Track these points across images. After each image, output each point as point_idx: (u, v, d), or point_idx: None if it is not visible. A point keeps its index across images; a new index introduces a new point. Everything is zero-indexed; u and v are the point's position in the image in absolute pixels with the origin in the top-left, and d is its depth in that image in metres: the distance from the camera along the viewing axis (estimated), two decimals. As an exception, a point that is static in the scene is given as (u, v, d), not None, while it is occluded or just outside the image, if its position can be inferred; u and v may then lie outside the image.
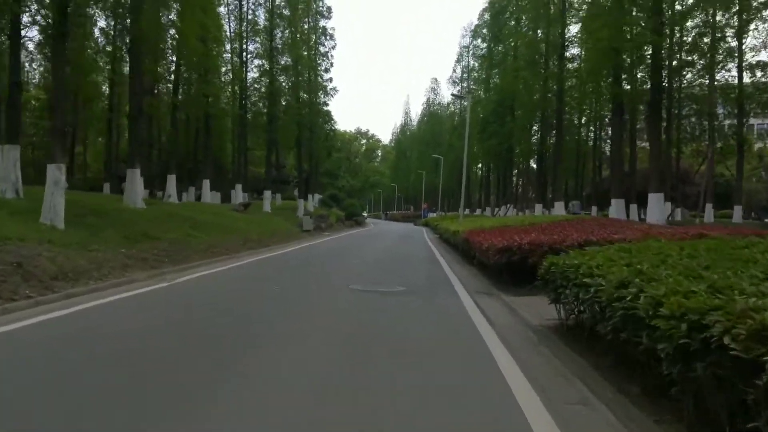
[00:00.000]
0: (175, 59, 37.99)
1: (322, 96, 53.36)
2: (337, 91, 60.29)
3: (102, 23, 38.52)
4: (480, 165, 68.87)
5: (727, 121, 37.87)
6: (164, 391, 4.57)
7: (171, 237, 16.34)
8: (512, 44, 49.95)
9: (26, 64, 50.71)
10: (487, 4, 57.23)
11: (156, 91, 40.23)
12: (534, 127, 47.55)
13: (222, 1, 43.77)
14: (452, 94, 73.35)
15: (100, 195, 31.06)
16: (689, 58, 32.46)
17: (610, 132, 43.73)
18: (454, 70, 73.79)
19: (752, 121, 43.38)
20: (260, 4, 46.53)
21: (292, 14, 45.35)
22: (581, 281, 5.64)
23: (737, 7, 28.41)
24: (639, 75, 29.99)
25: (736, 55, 32.85)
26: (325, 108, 55.10)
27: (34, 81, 53.31)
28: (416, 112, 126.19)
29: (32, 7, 19.43)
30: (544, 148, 44.39)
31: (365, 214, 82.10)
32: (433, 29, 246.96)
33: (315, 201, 56.82)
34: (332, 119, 59.49)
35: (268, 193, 42.05)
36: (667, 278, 4.39)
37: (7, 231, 11.20)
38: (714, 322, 3.25)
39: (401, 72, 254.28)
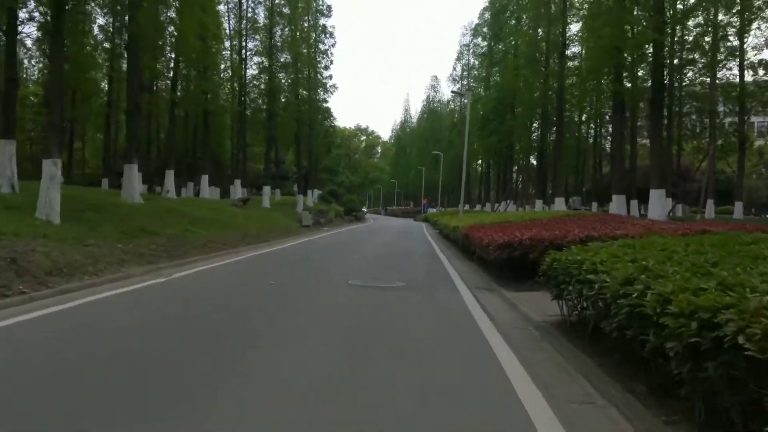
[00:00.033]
0: (173, 56, 37.83)
1: (321, 93, 53.22)
2: (336, 88, 60.34)
3: (101, 20, 38.38)
4: (480, 161, 68.84)
5: (728, 119, 37.79)
6: (162, 389, 4.48)
7: (169, 232, 16.22)
8: (513, 43, 49.83)
9: (25, 61, 50.73)
10: (487, 3, 57.29)
11: (155, 88, 40.10)
12: (534, 125, 47.45)
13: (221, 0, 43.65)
14: (452, 91, 73.32)
15: (98, 190, 30.90)
16: (690, 56, 32.37)
17: (610, 129, 43.67)
18: (455, 68, 73.83)
19: (753, 119, 43.31)
20: (260, 2, 46.46)
21: (292, 12, 45.15)
22: (585, 277, 5.52)
23: (739, 7, 28.25)
24: (640, 73, 29.87)
25: (738, 53, 32.76)
26: (324, 105, 55.00)
27: (33, 77, 53.23)
28: (416, 110, 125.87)
29: (29, 2, 19.27)
30: (544, 144, 44.27)
31: (365, 209, 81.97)
32: (434, 27, 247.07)
33: (314, 197, 56.69)
34: (332, 116, 59.38)
35: (267, 189, 41.91)
36: (674, 275, 4.27)
37: (2, 226, 11.07)
38: (726, 321, 3.12)
39: (401, 70, 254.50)
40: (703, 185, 34.20)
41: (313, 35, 51.69)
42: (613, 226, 12.56)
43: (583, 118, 48.95)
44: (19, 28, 19.04)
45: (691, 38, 31.38)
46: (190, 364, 5.25)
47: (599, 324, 5.26)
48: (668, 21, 25.48)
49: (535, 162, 51.86)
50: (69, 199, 16.40)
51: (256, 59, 46.65)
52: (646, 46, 25.20)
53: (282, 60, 45.31)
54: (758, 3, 28.05)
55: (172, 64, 39.25)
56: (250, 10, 47.10)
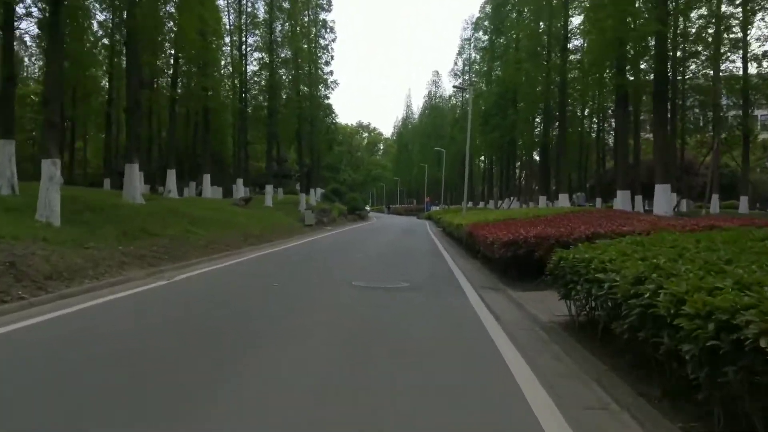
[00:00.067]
0: (173, 52, 37.70)
1: (322, 89, 53.08)
2: (337, 84, 59.98)
3: (100, 17, 38.28)
4: (482, 157, 68.68)
5: (732, 112, 37.52)
6: (163, 393, 4.44)
7: (170, 233, 16.08)
8: (514, 36, 49.57)
9: (25, 59, 50.62)
10: (488, -4, 56.85)
11: (156, 86, 39.97)
12: (537, 119, 47.23)
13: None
14: (454, 86, 72.98)
15: (99, 191, 30.79)
16: (693, 49, 32.14)
17: (613, 123, 43.44)
18: (456, 63, 73.72)
19: (756, 112, 43.04)
20: (259, -3, 46.17)
21: (292, 7, 44.92)
22: (593, 276, 5.38)
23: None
24: (643, 66, 29.65)
25: (741, 45, 32.51)
26: (325, 101, 54.78)
27: (33, 76, 53.08)
28: (418, 105, 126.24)
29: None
30: (547, 140, 44.06)
31: (368, 207, 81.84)
32: (435, 22, 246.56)
33: (317, 195, 56.58)
34: (333, 112, 59.13)
35: (269, 188, 41.78)
36: (687, 273, 4.13)
37: (1, 229, 10.94)
38: (747, 323, 2.98)
39: (402, 65, 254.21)
40: (709, 180, 33.94)
41: (314, 30, 51.55)
42: (619, 222, 12.40)
43: (586, 113, 48.77)
44: (18, 25, 18.85)
45: (694, 30, 31.12)
46: (191, 365, 5.25)
47: (609, 325, 5.11)
48: (671, 12, 25.26)
49: (538, 158, 51.64)
50: (69, 200, 16.30)
51: (256, 55, 46.63)
52: (650, 37, 24.99)
53: (282, 56, 45.14)
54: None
55: (172, 61, 39.12)
56: (249, 4, 46.99)
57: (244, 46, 46.34)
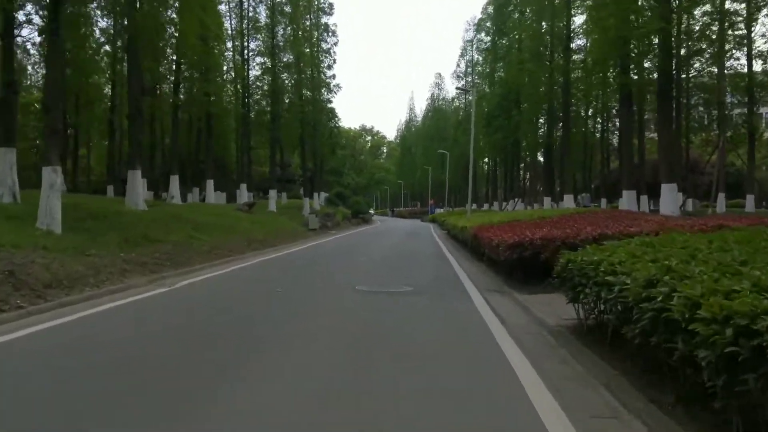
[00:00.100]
0: (175, 58, 37.64)
1: (325, 93, 53.01)
2: (340, 87, 60.17)
3: (102, 24, 38.31)
4: (486, 159, 68.44)
5: (736, 111, 37.26)
6: (164, 397, 4.43)
7: (173, 239, 15.95)
8: (516, 37, 49.45)
9: (29, 68, 50.66)
10: (490, -3, 56.72)
11: (158, 92, 39.93)
12: (540, 120, 47.05)
13: (222, -1, 43.43)
14: (457, 88, 72.86)
15: (102, 198, 30.76)
16: (696, 47, 31.90)
17: (617, 123, 43.19)
18: (458, 65, 73.59)
19: (762, 109, 42.73)
20: (261, 1, 46.02)
21: (294, 11, 44.86)
22: (603, 279, 5.23)
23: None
24: (647, 64, 29.45)
25: (746, 42, 32.28)
26: (328, 105, 54.70)
27: (37, 84, 53.10)
28: (420, 108, 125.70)
29: (26, 5, 19.05)
30: (551, 140, 43.85)
31: (372, 211, 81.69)
32: (437, 24, 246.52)
33: (321, 199, 56.45)
34: (336, 116, 59.06)
35: (273, 193, 41.65)
36: (701, 275, 3.97)
37: (1, 237, 10.83)
38: (768, 328, 2.83)
39: (405, 68, 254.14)
40: (715, 178, 33.68)
41: (316, 34, 51.56)
42: (626, 223, 12.25)
43: (590, 113, 48.51)
44: (19, 32, 18.78)
45: (698, 28, 30.88)
46: (193, 370, 5.20)
47: (619, 329, 4.96)
48: (675, 10, 25.07)
49: (542, 159, 51.41)
50: (71, 207, 16.21)
51: (258, 59, 46.45)
52: (654, 35, 24.80)
53: (285, 60, 45.01)
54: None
55: (174, 67, 39.07)
56: (251, 9, 46.80)
57: (246, 51, 46.23)
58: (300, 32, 46.24)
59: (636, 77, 28.71)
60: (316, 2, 51.39)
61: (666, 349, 3.89)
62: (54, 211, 13.40)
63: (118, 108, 40.63)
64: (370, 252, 20.48)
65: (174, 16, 29.92)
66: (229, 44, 47.02)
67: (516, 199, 54.84)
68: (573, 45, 38.42)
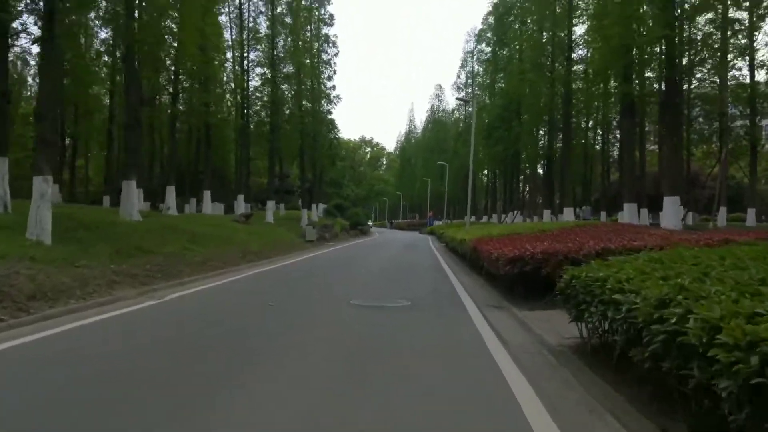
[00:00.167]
0: (174, 68, 37.51)
1: (325, 104, 52.90)
2: (340, 99, 59.92)
3: (102, 34, 38.25)
4: (486, 171, 68.26)
5: (738, 122, 37.05)
6: (152, 411, 4.36)
7: (166, 251, 15.67)
8: (517, 47, 49.44)
9: (29, 78, 50.66)
10: (491, 8, 56.69)
11: (158, 102, 39.78)
12: (540, 132, 46.88)
13: (222, 10, 43.29)
14: (457, 99, 72.90)
15: (97, 208, 30.46)
16: (698, 57, 31.71)
17: (618, 135, 42.99)
18: (459, 76, 73.55)
19: (763, 122, 42.52)
20: (261, 12, 46.02)
21: (294, 22, 44.84)
22: (610, 298, 4.91)
23: (748, 2, 27.60)
24: (650, 74, 29.26)
25: (748, 52, 32.08)
26: (328, 116, 54.52)
27: (36, 94, 53.01)
28: (420, 120, 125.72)
29: (23, 14, 18.87)
30: (551, 152, 43.64)
31: (370, 223, 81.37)
32: (438, 36, 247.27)
33: (319, 211, 56.17)
34: (336, 127, 58.84)
35: (271, 204, 41.41)
36: (718, 295, 3.66)
37: (-14, 248, 10.56)
38: (799, 358, 2.53)
39: (405, 80, 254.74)
40: (717, 192, 33.41)
41: (316, 45, 51.56)
42: (629, 237, 11.93)
43: (590, 124, 48.36)
44: (14, 42, 18.56)
45: (700, 37, 30.68)
46: (182, 382, 5.14)
47: (627, 351, 4.64)
48: (677, 17, 24.88)
49: (541, 171, 51.21)
50: (64, 217, 15.95)
51: (258, 70, 46.34)
52: (657, 43, 24.61)
53: (285, 71, 44.94)
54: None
55: (173, 77, 38.93)
56: (251, 20, 46.70)
57: (246, 62, 46.05)
58: (300, 43, 46.22)
59: (638, 87, 28.51)
60: (317, 13, 51.46)
61: (678, 376, 3.58)
62: (44, 222, 13.12)
63: (116, 118, 40.53)
64: (367, 264, 20.20)
65: (173, 26, 29.79)
66: (229, 55, 46.99)
67: (515, 212, 54.57)
68: (574, 55, 38.39)
